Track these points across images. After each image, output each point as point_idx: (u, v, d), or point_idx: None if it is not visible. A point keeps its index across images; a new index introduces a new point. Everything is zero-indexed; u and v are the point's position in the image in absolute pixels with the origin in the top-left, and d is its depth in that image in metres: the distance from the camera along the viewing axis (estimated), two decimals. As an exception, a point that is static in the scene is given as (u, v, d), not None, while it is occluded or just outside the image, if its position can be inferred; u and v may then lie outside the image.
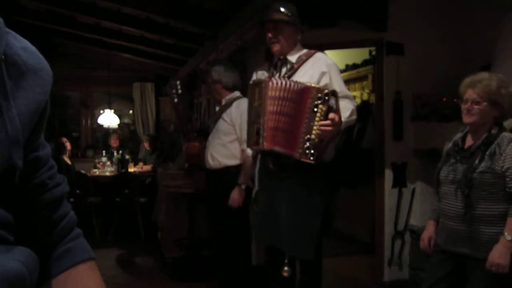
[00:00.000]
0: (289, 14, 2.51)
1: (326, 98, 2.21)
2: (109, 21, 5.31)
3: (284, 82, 2.32)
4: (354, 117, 2.45)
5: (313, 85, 2.29)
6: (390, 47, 3.55)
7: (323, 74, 2.44)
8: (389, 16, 3.56)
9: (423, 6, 3.58)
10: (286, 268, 2.45)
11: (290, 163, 2.35)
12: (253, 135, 2.41)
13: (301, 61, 2.50)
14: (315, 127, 2.23)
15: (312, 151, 2.25)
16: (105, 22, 5.49)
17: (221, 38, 4.35)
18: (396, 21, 3.55)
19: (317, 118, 2.22)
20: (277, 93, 2.31)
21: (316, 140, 2.24)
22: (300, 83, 2.33)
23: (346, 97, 2.45)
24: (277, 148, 2.36)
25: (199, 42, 5.14)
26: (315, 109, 2.22)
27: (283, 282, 2.54)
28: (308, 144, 2.25)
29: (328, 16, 3.51)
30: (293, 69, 2.49)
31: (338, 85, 2.44)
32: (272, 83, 2.33)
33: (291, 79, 2.42)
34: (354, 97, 5.11)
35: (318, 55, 2.53)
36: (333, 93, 2.25)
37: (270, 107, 2.34)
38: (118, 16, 5.08)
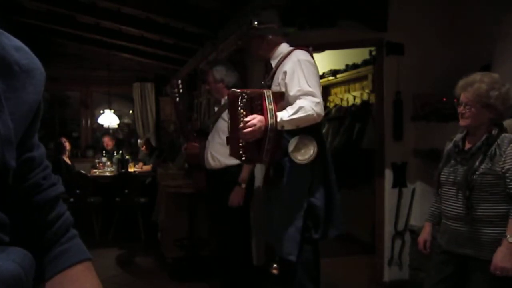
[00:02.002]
0: (256, 24, 2.53)
1: (244, 101, 2.28)
2: (109, 21, 5.31)
3: (237, 94, 2.36)
4: (301, 114, 2.30)
5: (236, 91, 2.35)
6: (390, 47, 3.54)
7: (284, 74, 2.44)
8: (389, 16, 3.56)
9: (423, 6, 3.57)
10: (274, 266, 2.47)
11: (272, 165, 2.43)
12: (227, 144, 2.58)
13: (279, 64, 2.53)
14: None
15: (242, 153, 2.37)
16: (105, 22, 5.48)
17: (221, 38, 4.35)
18: (396, 21, 3.55)
19: (240, 122, 2.31)
20: (235, 105, 2.39)
21: (243, 143, 2.34)
22: (234, 91, 2.38)
23: (305, 94, 2.36)
24: (233, 156, 2.54)
25: (199, 42, 5.13)
26: (239, 113, 2.30)
27: (282, 281, 2.55)
28: (240, 145, 2.37)
29: (328, 16, 3.50)
30: (272, 73, 2.52)
31: (297, 83, 2.38)
32: (233, 95, 2.39)
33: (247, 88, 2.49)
34: (348, 98, 5.18)
35: (293, 53, 2.50)
36: (254, 96, 2.28)
37: (231, 117, 2.45)
38: (118, 16, 5.08)
